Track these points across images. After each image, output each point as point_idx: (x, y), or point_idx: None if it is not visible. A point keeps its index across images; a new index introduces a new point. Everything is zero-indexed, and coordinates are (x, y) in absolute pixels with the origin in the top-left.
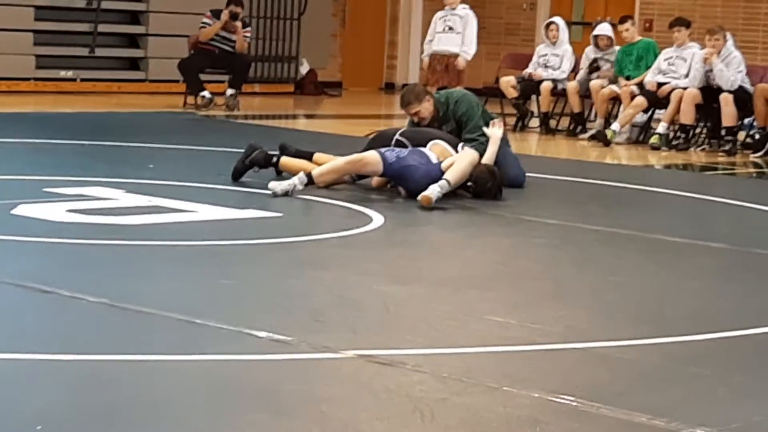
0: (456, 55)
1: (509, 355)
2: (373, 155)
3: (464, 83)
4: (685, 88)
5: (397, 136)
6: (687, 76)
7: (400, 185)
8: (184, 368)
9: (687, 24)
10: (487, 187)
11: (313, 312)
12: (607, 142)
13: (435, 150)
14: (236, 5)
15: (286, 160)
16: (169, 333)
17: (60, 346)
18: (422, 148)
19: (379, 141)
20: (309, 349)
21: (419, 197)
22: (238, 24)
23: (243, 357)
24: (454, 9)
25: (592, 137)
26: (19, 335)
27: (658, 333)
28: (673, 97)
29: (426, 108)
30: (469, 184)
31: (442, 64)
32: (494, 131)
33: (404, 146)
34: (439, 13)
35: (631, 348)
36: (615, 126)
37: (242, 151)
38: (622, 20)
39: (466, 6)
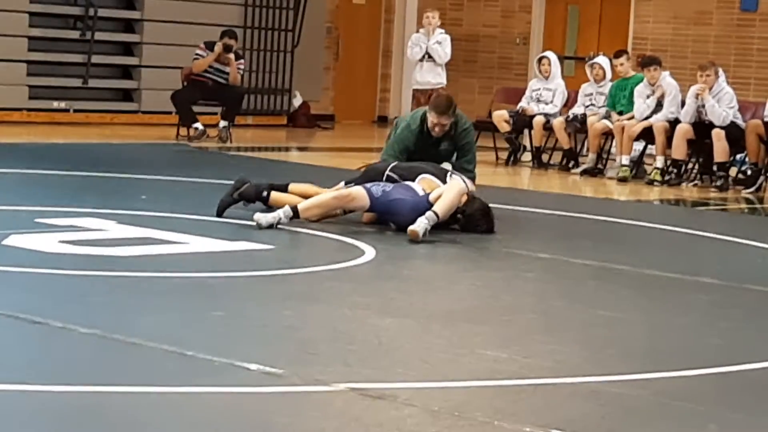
0: (437, 88)
1: (500, 390)
2: (359, 190)
3: None
4: (671, 121)
5: (387, 172)
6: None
7: (390, 220)
8: (175, 400)
9: (660, 63)
10: (479, 230)
11: (305, 345)
12: (626, 179)
13: (422, 183)
14: (230, 38)
15: (277, 195)
16: (160, 365)
17: (50, 377)
18: (409, 182)
19: (370, 175)
20: (300, 382)
21: (408, 231)
22: (231, 56)
23: (234, 389)
24: (432, 34)
25: (584, 172)
26: (9, 366)
27: (649, 368)
28: (658, 131)
29: (450, 125)
30: (458, 216)
31: (425, 96)
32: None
33: (394, 179)
34: (416, 36)
35: (622, 383)
36: (624, 160)
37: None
38: (617, 55)
39: (443, 30)
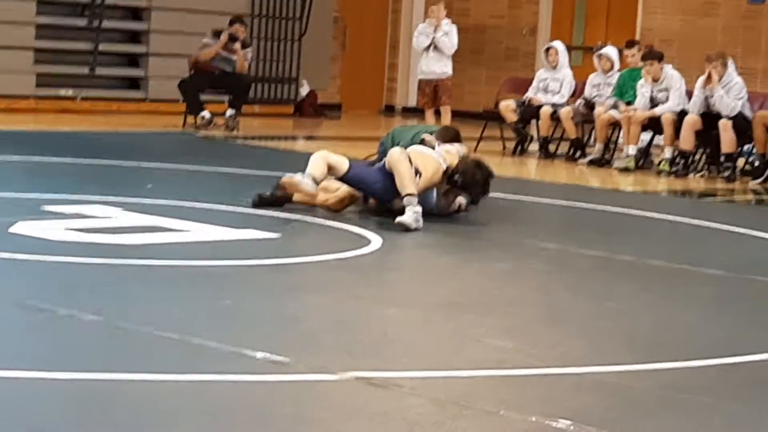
0: (443, 78)
1: (505, 380)
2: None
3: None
4: (679, 113)
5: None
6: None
7: (364, 191)
8: (180, 388)
9: (660, 57)
10: (474, 179)
11: (310, 334)
12: (628, 168)
13: (414, 154)
14: (240, 24)
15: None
16: (166, 352)
17: (56, 365)
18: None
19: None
20: (305, 371)
21: (395, 222)
22: (237, 45)
23: (239, 377)
24: (438, 25)
25: (591, 162)
26: (16, 353)
27: (654, 359)
28: (666, 121)
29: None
30: (456, 177)
31: (431, 87)
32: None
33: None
34: (422, 26)
35: (627, 374)
36: (631, 150)
37: (240, 171)
38: (629, 45)
39: (449, 20)
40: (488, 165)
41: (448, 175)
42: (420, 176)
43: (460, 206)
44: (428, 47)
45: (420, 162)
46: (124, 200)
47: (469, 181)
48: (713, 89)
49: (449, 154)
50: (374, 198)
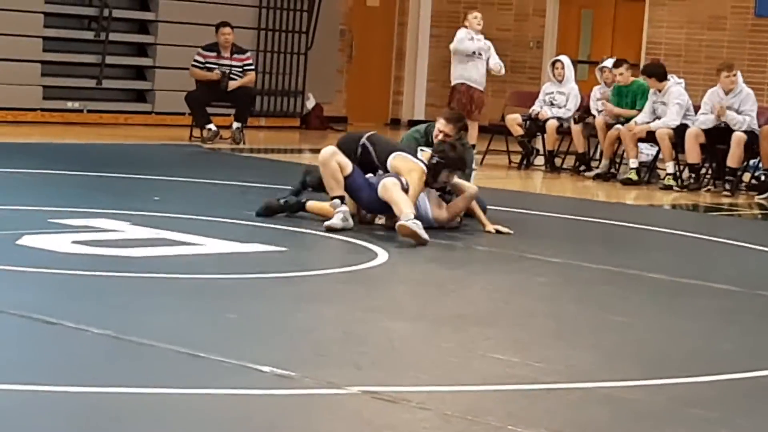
0: (480, 90)
1: (513, 394)
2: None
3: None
4: (674, 128)
5: (364, 140)
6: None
7: (355, 196)
8: (188, 402)
9: (651, 74)
10: (450, 155)
11: (317, 347)
12: (630, 182)
13: (397, 163)
14: (224, 26)
15: (313, 205)
16: (173, 366)
17: (64, 378)
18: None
19: (346, 141)
20: (313, 385)
21: (396, 226)
22: (233, 83)
23: (246, 392)
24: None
25: (597, 176)
26: (23, 366)
27: (661, 374)
28: (660, 137)
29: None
30: (434, 159)
31: (468, 95)
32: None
33: (368, 152)
34: (465, 32)
35: (634, 388)
36: (633, 163)
37: (247, 184)
38: (617, 64)
39: (482, 36)
40: (461, 145)
41: (427, 163)
42: (410, 189)
43: (458, 217)
44: (473, 53)
45: (406, 172)
46: (130, 213)
47: (446, 158)
48: (726, 115)
49: (426, 153)
50: (362, 207)
